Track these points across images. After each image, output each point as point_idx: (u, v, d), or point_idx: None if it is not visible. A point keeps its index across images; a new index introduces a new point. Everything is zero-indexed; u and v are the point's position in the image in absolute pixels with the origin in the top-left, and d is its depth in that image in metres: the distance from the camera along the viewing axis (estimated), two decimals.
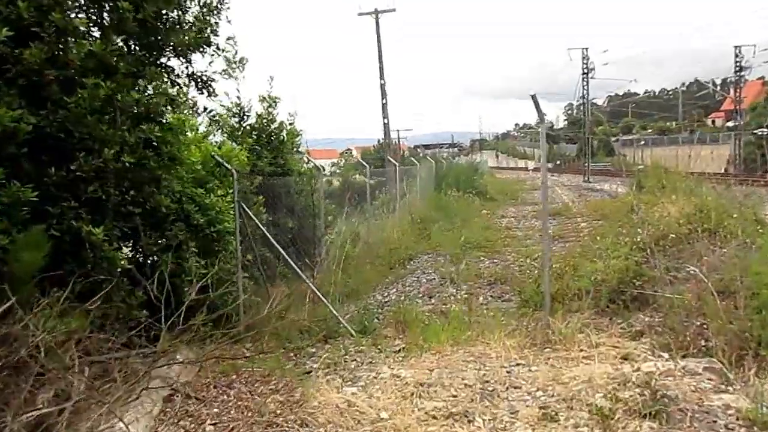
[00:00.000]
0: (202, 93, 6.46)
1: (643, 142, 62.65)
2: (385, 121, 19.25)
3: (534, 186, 33.60)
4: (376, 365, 5.78)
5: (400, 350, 6.34)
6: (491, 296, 7.88)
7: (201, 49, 6.09)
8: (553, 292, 6.80)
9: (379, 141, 52.88)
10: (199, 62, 6.30)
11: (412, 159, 29.30)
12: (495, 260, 10.42)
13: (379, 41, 25.76)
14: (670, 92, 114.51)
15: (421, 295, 8.54)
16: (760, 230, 10.37)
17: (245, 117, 10.44)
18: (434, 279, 9.35)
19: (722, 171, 42.10)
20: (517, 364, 5.29)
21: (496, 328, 6.16)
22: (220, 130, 10.22)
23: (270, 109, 10.66)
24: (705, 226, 10.49)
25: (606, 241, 9.25)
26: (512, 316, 6.91)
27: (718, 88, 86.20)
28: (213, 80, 6.46)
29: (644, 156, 60.94)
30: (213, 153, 7.46)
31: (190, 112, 7.26)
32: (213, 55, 6.35)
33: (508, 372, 5.12)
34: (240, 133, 10.20)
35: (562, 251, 10.26)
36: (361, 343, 6.79)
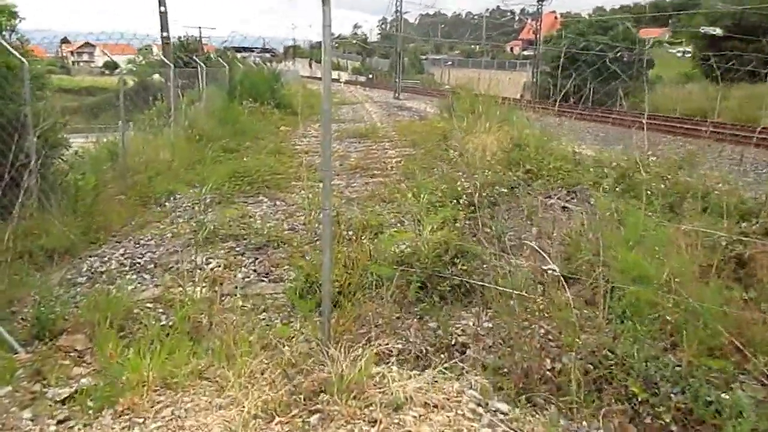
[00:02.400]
0: None
1: (450, 63, 63.13)
2: (162, 9, 14.97)
3: (344, 100, 31.09)
4: None
5: (67, 398, 3.51)
6: (255, 271, 5.22)
7: None
8: (341, 283, 4.32)
9: (179, 39, 46.23)
10: None
11: (220, 60, 24.91)
12: (276, 204, 7.70)
13: None
14: (476, 16, 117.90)
15: (151, 265, 5.58)
16: (580, 172, 8.95)
17: None
18: (184, 235, 6.40)
19: (518, 96, 43.42)
20: None
21: (240, 354, 3.54)
22: None
23: None
24: (527, 167, 8.80)
25: (419, 186, 7.02)
26: (274, 324, 4.33)
27: (517, 16, 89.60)
28: None
29: (450, 76, 61.66)
30: None
31: None
32: None
33: None
34: None
35: (362, 195, 7.85)
36: (11, 369, 3.82)
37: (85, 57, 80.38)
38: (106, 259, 5.98)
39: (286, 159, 10.74)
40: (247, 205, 7.56)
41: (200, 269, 5.27)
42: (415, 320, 4.32)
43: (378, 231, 5.70)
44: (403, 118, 20.00)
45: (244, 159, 10.15)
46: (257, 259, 5.45)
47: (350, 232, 5.41)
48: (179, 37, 47.39)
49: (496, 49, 75.17)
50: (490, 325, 4.22)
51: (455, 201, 5.85)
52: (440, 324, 4.23)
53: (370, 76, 73.30)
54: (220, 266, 5.33)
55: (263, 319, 4.42)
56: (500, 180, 6.87)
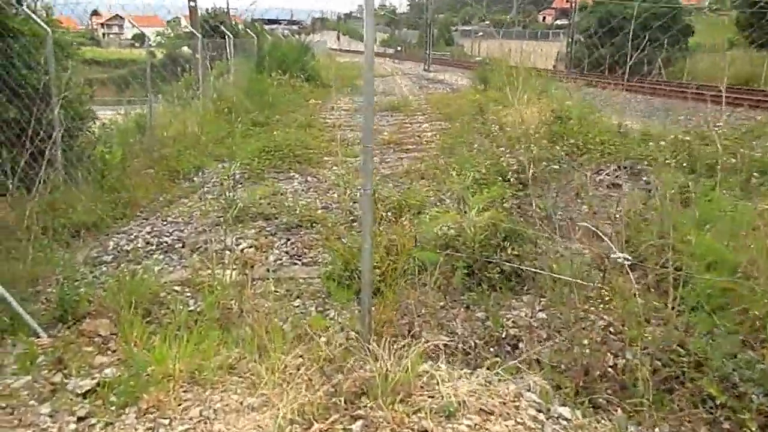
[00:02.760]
0: None
1: (480, 34, 61.61)
2: None
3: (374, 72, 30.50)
4: None
5: (89, 392, 3.25)
6: (287, 253, 4.89)
7: None
8: (381, 270, 3.96)
9: (207, 11, 45.98)
10: None
11: (248, 31, 24.53)
12: (308, 180, 7.35)
13: None
14: None
15: (180, 245, 5.30)
16: (628, 146, 8.39)
17: None
18: (213, 213, 6.10)
19: (551, 67, 42.05)
20: None
21: (274, 347, 3.23)
22: None
23: None
24: (571, 140, 8.27)
25: (460, 162, 6.58)
26: (308, 312, 4.00)
27: None
28: None
29: (480, 48, 60.22)
30: None
31: None
32: None
33: None
34: None
35: (397, 171, 7.44)
36: (32, 355, 3.59)
37: (115, 29, 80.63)
38: (133, 236, 5.71)
39: (316, 133, 10.37)
40: (277, 182, 7.23)
41: (230, 251, 4.96)
42: (462, 310, 3.95)
43: (417, 211, 5.31)
44: (435, 90, 19.43)
45: (274, 133, 9.79)
46: (289, 240, 5.11)
47: (389, 213, 5.03)
48: (206, 9, 47.10)
49: (528, 19, 73.21)
50: (545, 315, 3.83)
51: (501, 179, 5.42)
52: (489, 314, 3.85)
53: (399, 48, 72.11)
54: (250, 248, 5.02)
55: (297, 306, 4.09)
56: (545, 155, 6.39)
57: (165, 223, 6.03)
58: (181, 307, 4.18)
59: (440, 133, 10.08)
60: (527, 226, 4.51)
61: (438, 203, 5.49)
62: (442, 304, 4.02)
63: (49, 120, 7.87)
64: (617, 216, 4.73)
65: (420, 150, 8.83)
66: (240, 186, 7.07)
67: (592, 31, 40.26)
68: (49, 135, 7.76)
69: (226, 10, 44.31)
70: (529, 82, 12.84)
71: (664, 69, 36.05)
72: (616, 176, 6.82)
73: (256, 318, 3.83)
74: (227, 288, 4.09)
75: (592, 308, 3.74)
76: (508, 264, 3.97)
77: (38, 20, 7.05)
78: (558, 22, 67.03)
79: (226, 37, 19.68)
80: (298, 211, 5.76)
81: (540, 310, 3.88)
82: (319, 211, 5.88)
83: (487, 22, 75.58)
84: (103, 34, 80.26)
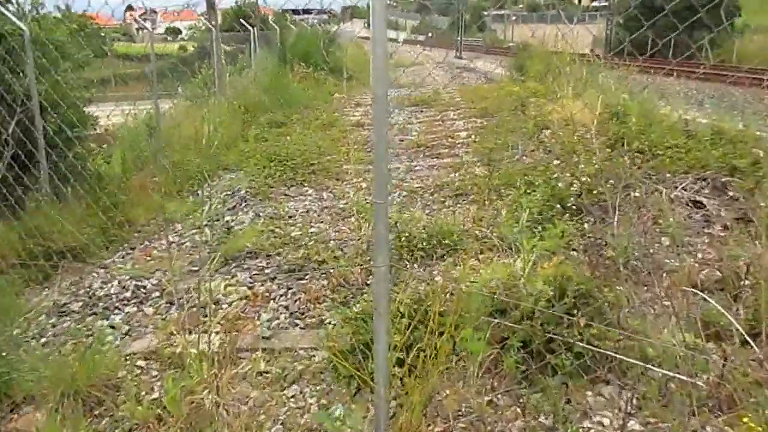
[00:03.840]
0: None
1: (514, 18, 59.49)
2: None
3: (402, 61, 29.21)
4: None
5: None
6: (286, 308, 3.81)
7: None
8: (403, 344, 2.83)
9: (236, 3, 45.37)
10: None
11: (273, 24, 23.52)
12: (322, 197, 6.23)
13: None
14: None
15: (157, 293, 4.26)
16: (701, 150, 7.06)
17: None
18: (207, 244, 5.05)
19: (588, 51, 39.91)
20: None
21: None
22: None
23: None
24: (634, 143, 6.98)
25: (504, 179, 5.38)
26: (308, 406, 2.92)
27: None
28: None
29: (514, 33, 58.06)
30: None
31: None
32: None
33: None
34: None
35: (427, 184, 6.27)
36: None
37: (149, 24, 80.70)
38: (112, 275, 4.71)
39: (337, 134, 9.25)
40: (288, 200, 6.14)
41: (216, 303, 3.91)
42: (518, 410, 2.81)
43: (451, 247, 4.16)
44: (468, 80, 18.09)
45: (288, 138, 8.72)
46: (290, 289, 4.02)
47: (417, 254, 3.91)
48: (236, 2, 46.46)
49: (564, 1, 70.51)
50: (639, 427, 2.67)
51: (559, 205, 4.24)
52: (557, 420, 2.71)
53: (430, 35, 70.27)
54: (242, 299, 3.95)
55: (292, 396, 3.01)
56: (609, 168, 5.15)
57: (149, 258, 5.00)
58: (144, 392, 3.16)
59: (476, 132, 8.85)
60: (602, 278, 3.33)
61: (480, 239, 4.32)
62: (488, 398, 2.89)
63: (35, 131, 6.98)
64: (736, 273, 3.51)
65: (454, 155, 7.64)
66: (244, 205, 6.01)
67: (634, 12, 38.12)
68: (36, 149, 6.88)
69: (255, 1, 43.53)
70: (571, 70, 11.49)
71: (711, 52, 33.87)
72: (695, 191, 5.54)
73: (237, 416, 2.78)
74: (200, 370, 3.03)
75: (711, 418, 2.57)
76: (581, 345, 2.81)
77: (10, 16, 6.09)
78: (594, 3, 64.32)
79: (252, 29, 18.76)
80: (305, 244, 4.67)
81: (630, 413, 2.71)
82: (332, 243, 4.77)
83: (521, 6, 73.16)
84: (137, 29, 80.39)
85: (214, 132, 9.86)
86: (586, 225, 4.32)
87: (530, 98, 10.73)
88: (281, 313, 3.74)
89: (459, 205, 5.48)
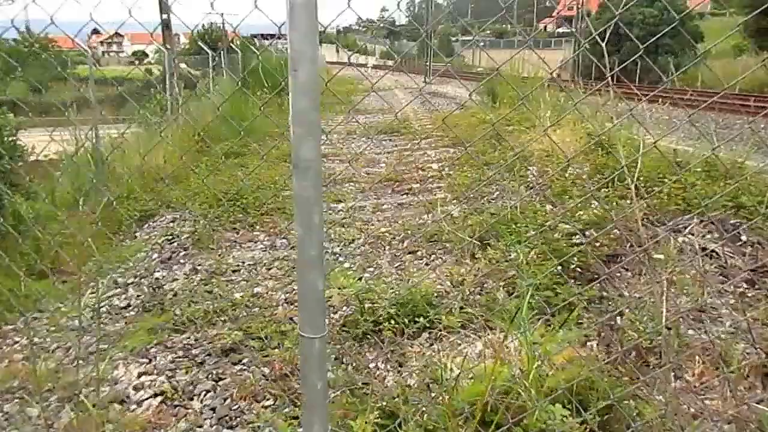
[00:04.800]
0: None
1: (482, 44, 59.91)
2: None
3: (372, 86, 28.59)
4: None
5: None
6: (212, 410, 2.88)
7: None
8: None
9: (203, 26, 44.52)
10: None
11: (232, 47, 22.66)
12: (275, 245, 5.32)
13: None
14: None
15: (55, 397, 3.28)
16: (701, 186, 6.39)
17: None
18: (129, 311, 4.09)
19: (556, 76, 39.88)
20: None
21: None
22: None
23: None
24: (625, 179, 6.27)
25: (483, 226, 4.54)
26: None
27: None
28: None
29: (482, 58, 58.23)
30: None
31: None
32: None
33: None
34: None
35: (395, 229, 5.41)
36: None
37: (114, 47, 79.18)
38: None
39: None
40: (234, 248, 5.22)
41: (122, 402, 2.96)
42: None
43: (428, 319, 3.29)
44: (439, 106, 17.42)
45: (246, 168, 7.83)
46: (220, 380, 3.10)
47: (383, 333, 3.04)
48: (203, 25, 45.56)
49: (529, 28, 71.48)
50: None
51: (559, 265, 3.42)
52: None
53: (399, 60, 70.26)
54: (157, 396, 3.00)
55: None
56: (609, 212, 4.37)
57: (53, 328, 4.00)
58: None
59: (449, 163, 8.07)
60: (628, 376, 2.50)
61: (459, 302, 3.46)
62: None
63: None
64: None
65: (426, 190, 6.83)
66: (181, 258, 5.06)
67: (601, 37, 38.31)
68: None
69: (221, 25, 42.57)
70: (545, 96, 10.87)
71: (676, 76, 34.16)
72: (703, 236, 4.80)
73: None
74: None
75: None
76: None
77: None
78: (560, 30, 65.22)
79: (212, 53, 17.96)
80: (246, 314, 3.75)
81: None
82: (281, 307, 3.86)
83: (488, 32, 73.87)
84: (103, 53, 78.70)
85: (165, 162, 8.92)
86: (596, 291, 3.50)
87: (505, 126, 10.05)
88: (205, 418, 2.81)
89: (434, 256, 4.63)
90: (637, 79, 33.07)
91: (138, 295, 4.19)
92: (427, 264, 4.46)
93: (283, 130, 12.28)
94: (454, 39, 73.73)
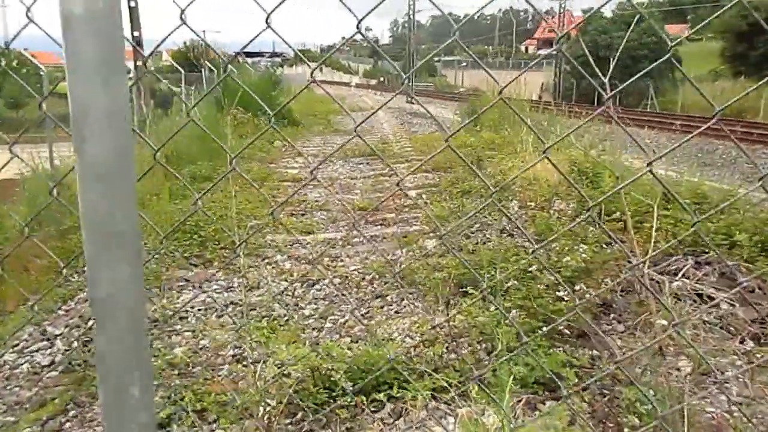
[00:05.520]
0: None
1: (464, 64, 60.20)
2: (132, 3, 12.20)
3: (353, 105, 28.30)
4: None
5: None
6: None
7: None
8: None
9: (185, 43, 43.99)
10: None
11: (230, 66, 22.04)
12: (230, 287, 4.79)
13: None
14: (488, 17, 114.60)
15: None
16: (689, 220, 6.00)
17: None
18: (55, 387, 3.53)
19: (537, 97, 39.79)
20: None
21: None
22: None
23: None
24: (613, 211, 5.85)
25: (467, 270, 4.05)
26: None
27: (531, 17, 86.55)
28: None
29: (464, 78, 58.46)
30: None
31: None
32: None
33: None
34: None
35: (366, 270, 4.91)
36: None
37: None
38: None
39: (268, 192, 7.88)
40: (185, 289, 4.68)
41: None
42: None
43: (390, 387, 2.80)
44: (419, 128, 17.06)
45: (211, 195, 7.33)
46: None
47: (337, 411, 2.54)
48: (185, 42, 45.12)
49: (510, 49, 72.16)
50: None
51: (544, 323, 2.96)
52: None
53: (382, 79, 70.39)
54: None
55: None
56: (594, 255, 3.93)
57: None
58: None
59: (428, 192, 7.64)
60: None
61: (432, 375, 2.96)
62: None
63: None
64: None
65: (402, 221, 6.37)
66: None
67: (581, 60, 38.48)
68: None
69: (203, 43, 42.10)
70: (529, 118, 10.53)
71: (656, 100, 34.33)
72: (698, 279, 4.38)
73: None
74: None
75: None
76: None
77: None
78: (540, 52, 65.80)
79: (194, 71, 17.48)
80: (184, 376, 3.22)
81: None
82: (223, 372, 3.33)
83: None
84: None
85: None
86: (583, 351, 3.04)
87: (486, 150, 9.67)
88: None
89: (405, 302, 4.14)
90: (617, 101, 33.21)
91: (66, 350, 3.64)
92: (396, 312, 3.98)
93: (255, 152, 11.81)
94: (436, 59, 74.04)
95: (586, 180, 6.84)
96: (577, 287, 3.28)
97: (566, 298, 3.32)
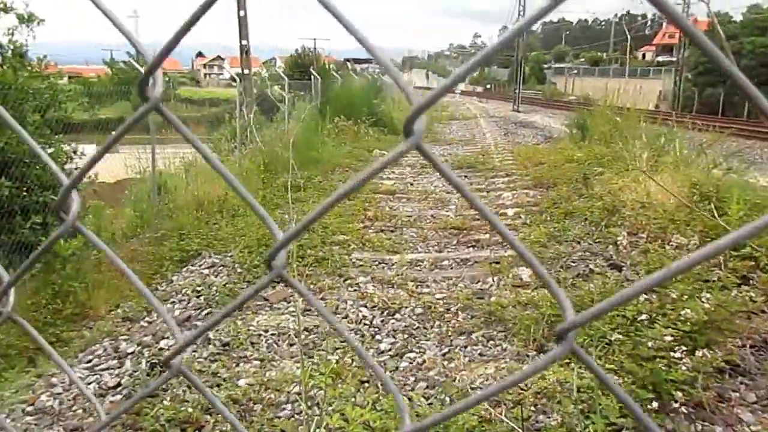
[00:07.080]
0: None
1: (575, 72, 57.70)
2: (241, 12, 12.56)
3: (455, 114, 27.81)
4: None
5: None
6: None
7: None
8: None
9: (297, 51, 45.46)
10: None
11: (333, 73, 22.50)
12: (309, 308, 4.58)
13: None
14: (602, 22, 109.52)
15: None
16: None
17: None
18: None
19: (654, 107, 37.02)
20: None
21: None
22: None
23: None
24: (744, 251, 5.04)
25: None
26: None
27: (649, 22, 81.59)
28: None
29: (575, 86, 56.01)
30: None
31: None
32: None
33: None
34: None
35: (450, 300, 4.48)
36: None
37: (216, 69, 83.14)
38: None
39: (359, 205, 7.65)
40: (261, 309, 4.51)
41: None
42: None
43: None
44: (523, 139, 16.29)
45: (303, 205, 7.23)
46: None
47: None
48: (296, 50, 46.63)
49: (627, 55, 68.34)
50: None
51: (652, 395, 2.43)
52: None
53: (488, 86, 69.21)
54: None
55: None
56: (719, 306, 3.27)
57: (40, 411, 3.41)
58: None
59: (526, 210, 7.08)
60: None
61: None
62: None
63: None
64: None
65: (497, 243, 5.88)
66: (204, 316, 4.41)
67: (705, 67, 35.52)
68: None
69: (314, 50, 43.24)
70: (642, 131, 9.59)
71: None
72: None
73: None
74: None
75: None
76: None
77: None
78: (659, 58, 61.75)
79: (305, 79, 17.72)
80: (244, 414, 2.98)
81: None
82: (287, 409, 3.06)
83: (583, 59, 71.28)
84: (205, 75, 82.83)
85: (227, 192, 8.51)
86: None
87: (594, 166, 8.89)
88: None
89: (492, 342, 3.70)
90: (745, 114, 30.02)
91: (133, 371, 3.54)
92: (480, 355, 3.54)
93: (352, 161, 11.69)
94: (546, 66, 71.64)
95: (709, 205, 5.99)
96: (698, 353, 2.69)
97: (684, 360, 2.73)
